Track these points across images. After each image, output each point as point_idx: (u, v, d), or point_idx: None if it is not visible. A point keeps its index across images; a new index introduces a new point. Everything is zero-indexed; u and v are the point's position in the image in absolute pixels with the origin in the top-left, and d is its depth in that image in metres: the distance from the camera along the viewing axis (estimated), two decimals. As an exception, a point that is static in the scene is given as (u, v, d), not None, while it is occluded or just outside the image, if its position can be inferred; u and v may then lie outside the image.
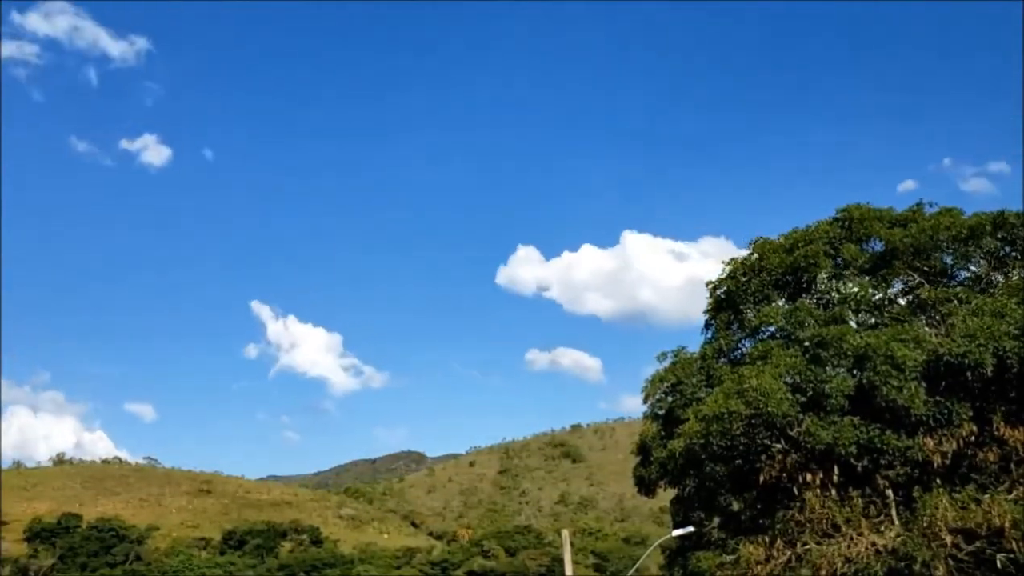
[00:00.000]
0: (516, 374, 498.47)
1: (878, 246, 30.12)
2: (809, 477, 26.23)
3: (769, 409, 24.94)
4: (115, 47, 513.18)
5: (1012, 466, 25.78)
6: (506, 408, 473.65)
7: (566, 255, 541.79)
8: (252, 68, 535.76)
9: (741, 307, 31.19)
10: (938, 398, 25.18)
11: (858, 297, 28.71)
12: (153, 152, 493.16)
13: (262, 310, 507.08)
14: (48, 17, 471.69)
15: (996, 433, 25.54)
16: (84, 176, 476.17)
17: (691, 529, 31.77)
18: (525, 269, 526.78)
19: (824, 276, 29.93)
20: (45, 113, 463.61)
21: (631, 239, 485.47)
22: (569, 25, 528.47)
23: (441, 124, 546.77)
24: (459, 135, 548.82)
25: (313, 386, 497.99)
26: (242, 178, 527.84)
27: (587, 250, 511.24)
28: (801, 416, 25.62)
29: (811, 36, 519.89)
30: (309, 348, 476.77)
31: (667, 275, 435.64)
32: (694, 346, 32.72)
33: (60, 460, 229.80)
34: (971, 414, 25.33)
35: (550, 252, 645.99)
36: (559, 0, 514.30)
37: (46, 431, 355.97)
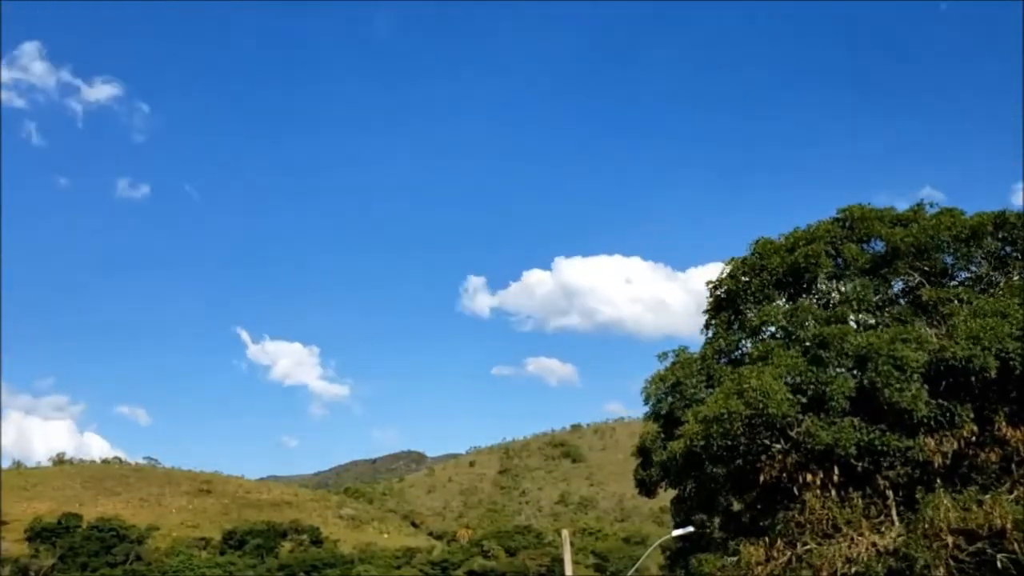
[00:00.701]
0: (498, 381, 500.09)
1: (879, 246, 30.01)
2: (809, 477, 26.12)
3: (769, 410, 24.82)
4: (90, 92, 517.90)
5: (1013, 467, 25.73)
6: (496, 411, 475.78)
7: (570, 259, 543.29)
8: (243, 68, 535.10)
9: (741, 307, 31.07)
10: (940, 400, 25.08)
11: (859, 297, 28.59)
12: (133, 189, 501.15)
13: (241, 333, 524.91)
14: (14, 63, 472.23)
15: (997, 433, 25.46)
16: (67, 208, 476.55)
17: (691, 529, 31.74)
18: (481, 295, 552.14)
19: (825, 276, 29.82)
20: (32, 155, 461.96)
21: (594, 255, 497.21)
22: (563, 26, 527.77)
23: (434, 121, 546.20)
24: (452, 135, 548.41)
25: (299, 394, 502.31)
26: (225, 184, 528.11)
27: (540, 272, 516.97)
28: (801, 416, 25.52)
29: (809, 37, 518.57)
30: (289, 363, 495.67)
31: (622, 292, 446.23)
32: (689, 348, 32.64)
33: (60, 460, 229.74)
34: (972, 415, 25.24)
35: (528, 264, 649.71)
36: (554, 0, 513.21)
37: (42, 432, 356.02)
